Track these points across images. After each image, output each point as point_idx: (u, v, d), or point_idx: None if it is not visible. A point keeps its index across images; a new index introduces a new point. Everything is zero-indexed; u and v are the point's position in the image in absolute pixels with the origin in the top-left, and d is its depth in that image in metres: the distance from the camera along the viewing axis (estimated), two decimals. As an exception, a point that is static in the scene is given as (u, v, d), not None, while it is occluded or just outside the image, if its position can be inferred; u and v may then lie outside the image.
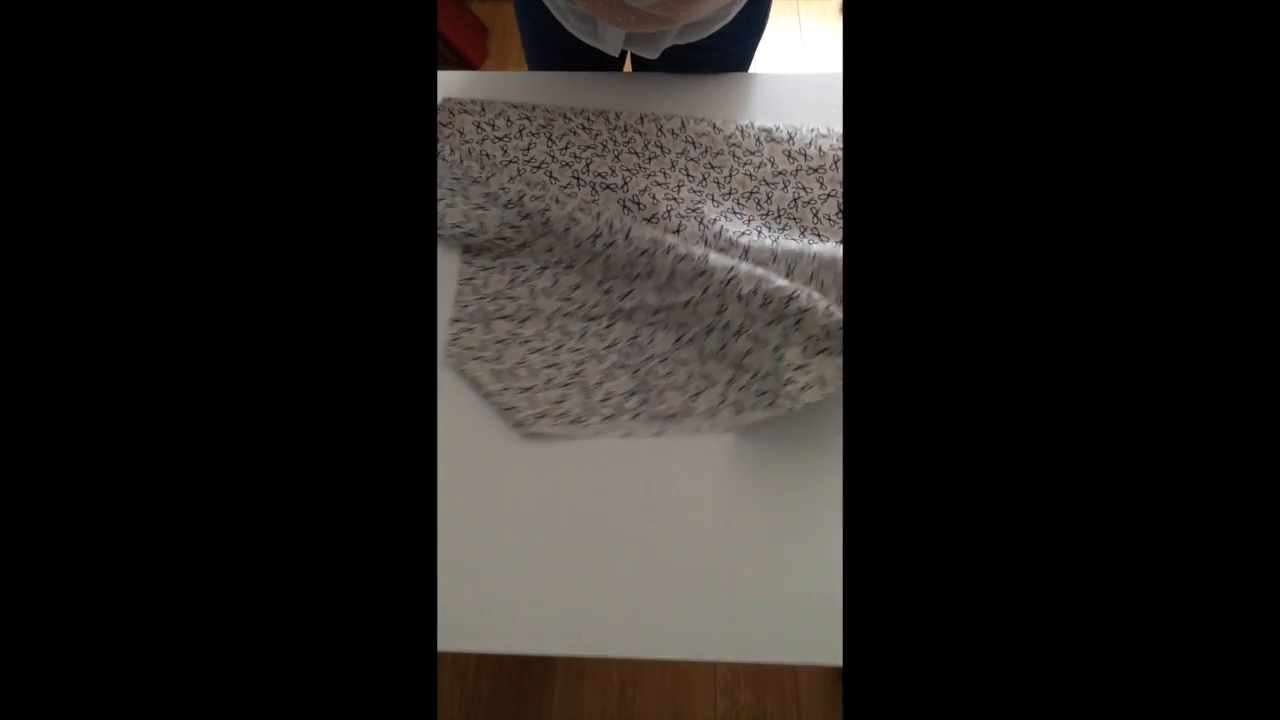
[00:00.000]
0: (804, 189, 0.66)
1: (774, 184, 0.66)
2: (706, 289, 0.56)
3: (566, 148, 0.69)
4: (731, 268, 0.56)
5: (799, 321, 0.53)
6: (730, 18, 0.72)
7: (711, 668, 1.05)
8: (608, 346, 0.58)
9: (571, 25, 0.72)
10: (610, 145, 0.69)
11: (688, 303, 0.57)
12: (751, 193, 0.66)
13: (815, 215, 0.64)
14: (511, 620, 0.49)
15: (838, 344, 0.52)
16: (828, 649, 0.48)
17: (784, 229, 0.64)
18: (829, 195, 0.65)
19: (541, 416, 0.54)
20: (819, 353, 0.52)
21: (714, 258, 0.57)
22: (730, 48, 0.76)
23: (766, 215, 0.65)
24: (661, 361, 0.56)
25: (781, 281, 0.54)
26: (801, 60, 1.81)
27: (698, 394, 0.55)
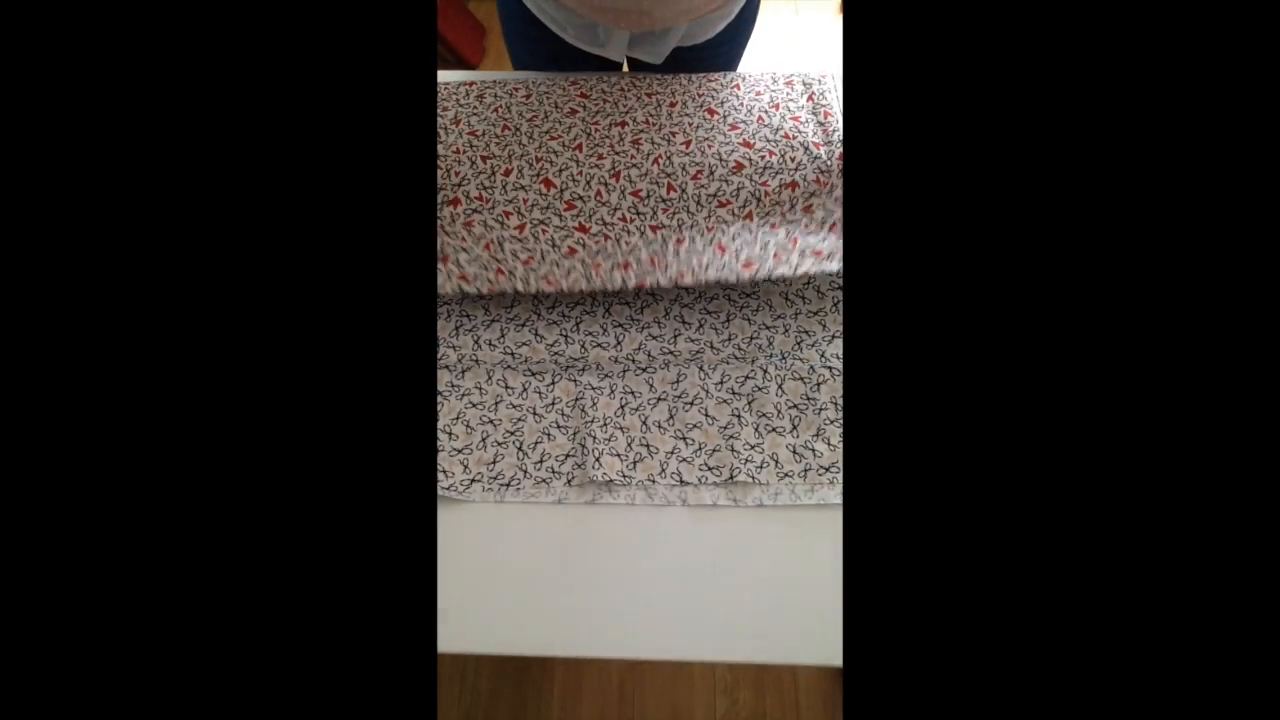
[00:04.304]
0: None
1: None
2: (670, 365, 0.58)
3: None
4: (699, 351, 0.59)
5: (751, 401, 0.57)
6: (733, 16, 0.71)
7: (711, 668, 1.05)
8: (548, 405, 0.57)
9: (571, 36, 0.72)
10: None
11: (644, 369, 0.58)
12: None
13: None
14: (510, 621, 0.49)
15: (787, 424, 0.56)
16: (827, 649, 0.48)
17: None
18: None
19: (473, 482, 0.54)
20: (770, 431, 0.56)
21: (683, 345, 0.59)
22: (722, 46, 0.76)
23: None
24: (602, 426, 0.55)
25: (743, 365, 0.58)
26: (796, 56, 1.81)
27: (636, 463, 0.54)
